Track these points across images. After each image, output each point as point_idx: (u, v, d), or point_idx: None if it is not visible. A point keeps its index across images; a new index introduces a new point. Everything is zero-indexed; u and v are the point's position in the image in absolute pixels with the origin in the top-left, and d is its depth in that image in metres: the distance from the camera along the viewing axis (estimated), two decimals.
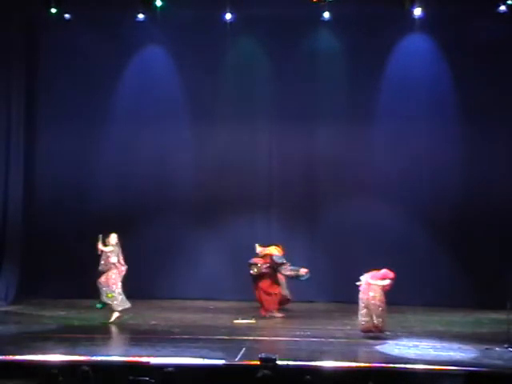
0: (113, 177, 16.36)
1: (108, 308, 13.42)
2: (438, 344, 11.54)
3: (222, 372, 9.45)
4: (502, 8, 15.05)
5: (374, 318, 11.97)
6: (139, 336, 12.20)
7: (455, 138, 15.85)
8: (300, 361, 9.98)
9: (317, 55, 16.27)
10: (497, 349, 11.10)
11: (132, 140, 16.43)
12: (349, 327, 13.12)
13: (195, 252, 15.99)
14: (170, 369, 8.25)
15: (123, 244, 16.05)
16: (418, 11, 15.30)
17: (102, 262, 13.54)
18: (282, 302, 14.39)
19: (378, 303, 11.99)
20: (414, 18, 15.42)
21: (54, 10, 15.43)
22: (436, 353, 10.99)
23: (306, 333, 12.51)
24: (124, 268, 13.64)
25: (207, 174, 16.29)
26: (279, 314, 14.11)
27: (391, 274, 12.17)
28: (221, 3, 15.61)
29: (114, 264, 13.53)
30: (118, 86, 16.47)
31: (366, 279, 12.18)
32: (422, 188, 15.80)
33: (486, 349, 11.09)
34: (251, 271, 14.10)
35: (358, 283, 12.26)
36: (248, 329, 12.94)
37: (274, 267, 14.15)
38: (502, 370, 9.89)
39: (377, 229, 15.69)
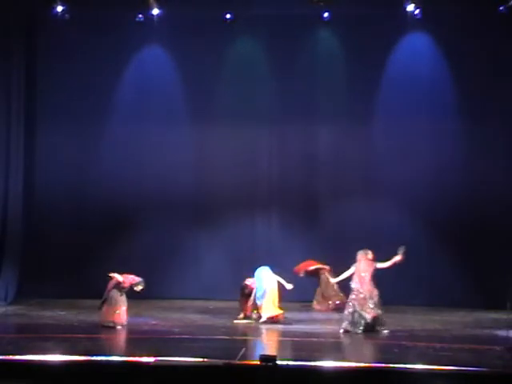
0: (113, 177, 16.33)
1: None
2: (437, 344, 11.54)
3: (222, 372, 9.44)
4: (502, 8, 15.07)
5: None
6: (139, 336, 12.19)
7: (455, 137, 15.86)
8: (300, 361, 9.98)
9: (317, 55, 16.29)
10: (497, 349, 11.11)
11: (132, 140, 16.42)
12: None
13: (195, 252, 15.99)
14: (169, 369, 8.24)
15: (123, 244, 16.14)
16: (417, 11, 15.32)
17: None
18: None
19: None
20: (413, 18, 15.44)
21: (55, 9, 15.45)
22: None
23: (305, 333, 12.51)
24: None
25: (207, 174, 16.30)
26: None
27: None
28: (221, 3, 15.62)
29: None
30: (117, 86, 16.48)
31: None
32: (422, 187, 15.79)
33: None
34: None
35: None
36: (248, 329, 12.95)
37: None
38: (502, 370, 9.89)
39: (377, 228, 15.68)
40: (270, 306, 13.35)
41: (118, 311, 12.82)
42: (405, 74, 15.94)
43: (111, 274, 12.95)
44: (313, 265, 15.05)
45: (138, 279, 12.95)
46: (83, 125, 16.33)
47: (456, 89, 15.83)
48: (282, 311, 13.44)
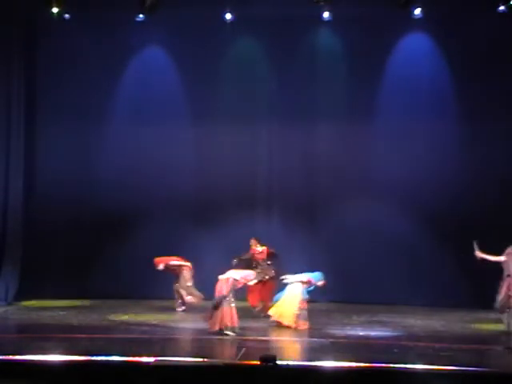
0: (112, 177, 16.34)
1: None
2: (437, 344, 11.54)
3: (222, 372, 9.44)
4: (502, 8, 15.07)
5: None
6: (139, 336, 12.19)
7: (455, 137, 15.86)
8: (300, 361, 9.98)
9: (317, 55, 16.30)
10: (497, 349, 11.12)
11: (132, 140, 16.43)
12: (349, 327, 13.13)
13: (195, 252, 15.97)
14: (169, 369, 8.24)
15: (123, 244, 16.13)
16: (417, 11, 15.33)
17: None
18: None
19: None
20: (413, 18, 15.45)
21: (54, 10, 15.42)
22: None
23: (305, 333, 12.51)
24: None
25: (207, 174, 16.31)
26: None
27: None
28: (221, 3, 15.62)
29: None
30: (117, 86, 16.48)
31: None
32: (422, 187, 15.79)
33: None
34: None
35: None
36: (248, 329, 12.94)
37: None
38: (502, 370, 9.89)
39: (377, 228, 15.69)
40: (284, 310, 13.11)
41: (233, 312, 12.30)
42: (405, 73, 15.94)
43: (221, 277, 12.31)
44: (176, 260, 14.70)
45: (250, 275, 12.69)
46: (83, 125, 16.34)
47: (456, 89, 15.83)
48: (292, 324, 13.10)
